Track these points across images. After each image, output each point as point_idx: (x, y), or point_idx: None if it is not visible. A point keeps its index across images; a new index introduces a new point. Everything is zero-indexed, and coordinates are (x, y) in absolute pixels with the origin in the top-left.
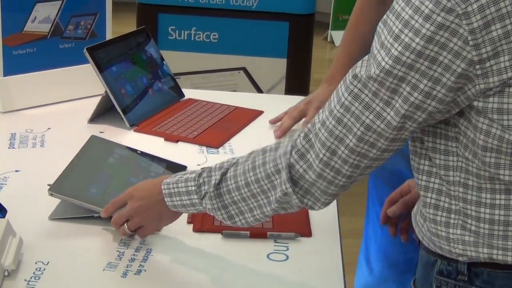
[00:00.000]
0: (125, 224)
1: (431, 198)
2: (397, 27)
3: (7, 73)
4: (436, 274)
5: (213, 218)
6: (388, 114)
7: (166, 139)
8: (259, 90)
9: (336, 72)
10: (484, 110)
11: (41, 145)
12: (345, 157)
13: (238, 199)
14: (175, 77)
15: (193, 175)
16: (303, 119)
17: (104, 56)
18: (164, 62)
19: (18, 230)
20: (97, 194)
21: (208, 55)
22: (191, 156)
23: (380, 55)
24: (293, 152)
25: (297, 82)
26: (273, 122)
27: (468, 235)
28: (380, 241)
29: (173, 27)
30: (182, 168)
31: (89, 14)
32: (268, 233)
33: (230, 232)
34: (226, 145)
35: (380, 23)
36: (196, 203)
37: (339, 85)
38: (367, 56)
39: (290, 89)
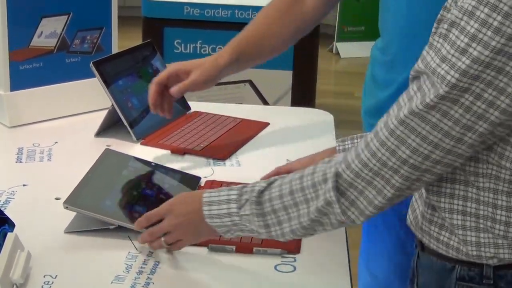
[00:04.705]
0: (162, 238)
1: (457, 205)
2: (462, 41)
3: (14, 88)
4: (456, 280)
5: None
6: (446, 124)
7: (172, 152)
8: (265, 102)
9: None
10: None
11: (48, 159)
12: (397, 167)
13: (279, 207)
14: None
15: (238, 186)
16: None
17: (111, 70)
18: None
19: (26, 244)
20: (112, 206)
21: None
22: (198, 168)
23: (443, 69)
24: (343, 164)
25: (303, 94)
26: None
27: (499, 239)
28: (381, 244)
29: (179, 41)
30: (196, 179)
31: (95, 29)
32: (255, 248)
33: (216, 246)
34: (233, 157)
35: (435, 37)
36: (233, 212)
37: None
38: (410, 89)
39: (296, 101)
